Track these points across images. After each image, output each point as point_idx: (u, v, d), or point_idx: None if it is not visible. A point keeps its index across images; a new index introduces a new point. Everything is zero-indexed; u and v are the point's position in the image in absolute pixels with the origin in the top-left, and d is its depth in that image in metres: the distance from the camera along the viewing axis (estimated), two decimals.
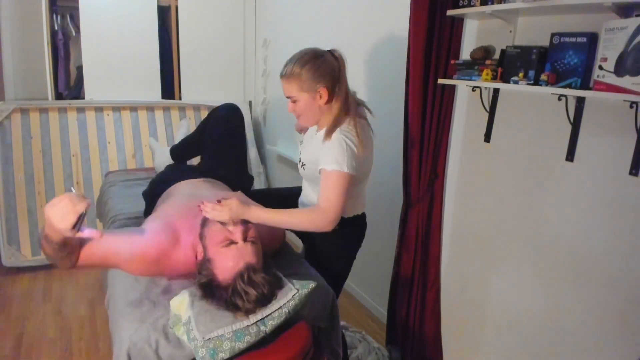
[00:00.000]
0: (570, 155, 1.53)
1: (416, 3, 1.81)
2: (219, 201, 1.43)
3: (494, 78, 1.63)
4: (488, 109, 1.81)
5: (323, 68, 1.52)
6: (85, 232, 1.19)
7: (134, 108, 3.56)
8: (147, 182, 2.19)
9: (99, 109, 3.43)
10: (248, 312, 1.27)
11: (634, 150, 1.33)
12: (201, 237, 1.41)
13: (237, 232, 1.36)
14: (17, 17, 3.38)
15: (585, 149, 1.49)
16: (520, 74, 1.52)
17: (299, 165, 1.71)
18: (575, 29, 1.42)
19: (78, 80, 3.65)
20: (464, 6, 1.71)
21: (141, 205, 2.06)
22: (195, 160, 3.26)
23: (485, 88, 1.79)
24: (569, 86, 1.40)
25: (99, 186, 2.93)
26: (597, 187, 1.47)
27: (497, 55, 1.70)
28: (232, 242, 1.34)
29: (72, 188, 1.37)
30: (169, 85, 3.80)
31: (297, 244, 2.05)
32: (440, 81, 1.86)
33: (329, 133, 1.53)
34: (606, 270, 1.47)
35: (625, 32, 1.22)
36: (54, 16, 3.47)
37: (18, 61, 3.41)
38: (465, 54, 1.87)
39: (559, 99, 1.50)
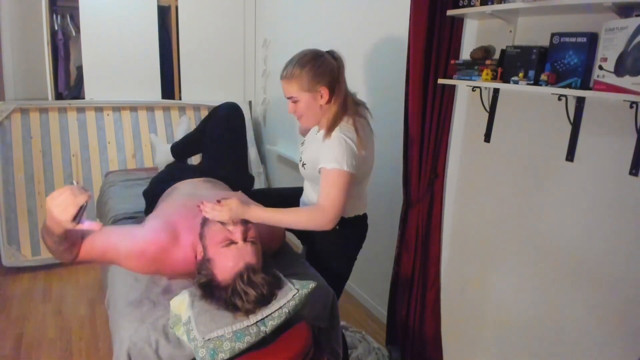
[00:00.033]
0: (570, 155, 1.53)
1: (416, 3, 1.81)
2: (218, 201, 1.43)
3: (494, 78, 1.63)
4: (488, 109, 1.81)
5: (323, 68, 1.53)
6: (85, 224, 1.20)
7: (134, 108, 3.56)
8: (147, 182, 2.19)
9: (99, 109, 3.43)
10: (247, 313, 1.27)
11: (634, 150, 1.33)
12: (201, 236, 1.41)
13: (237, 232, 1.36)
14: (17, 17, 3.38)
15: (585, 149, 1.49)
16: (520, 74, 1.52)
17: (300, 165, 1.71)
18: (575, 29, 1.42)
19: (78, 80, 3.65)
20: (464, 6, 1.71)
21: (141, 205, 2.06)
22: (195, 159, 3.27)
23: (485, 88, 1.79)
24: (569, 86, 1.40)
25: (99, 186, 2.93)
26: (597, 187, 1.47)
27: (497, 55, 1.70)
28: (232, 242, 1.34)
29: (73, 181, 1.38)
30: (169, 85, 3.80)
31: (297, 244, 2.05)
32: (440, 81, 1.86)
33: (328, 131, 1.54)
34: (606, 270, 1.47)
35: (625, 32, 1.22)
36: (54, 16, 3.47)
37: (18, 61, 3.41)
38: (465, 54, 1.87)
39: (559, 99, 1.50)
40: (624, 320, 1.43)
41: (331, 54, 1.59)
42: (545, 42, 1.50)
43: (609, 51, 1.27)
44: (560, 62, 1.44)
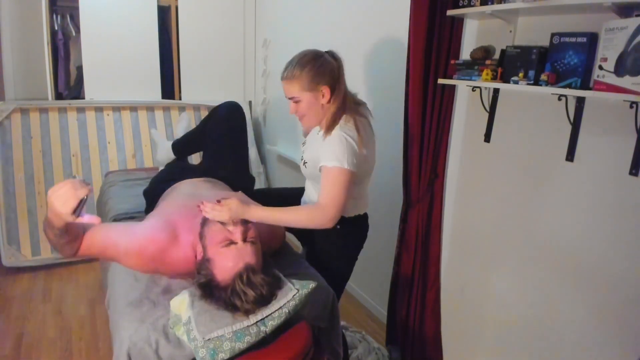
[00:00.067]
0: (570, 155, 1.53)
1: (416, 3, 1.81)
2: (218, 201, 1.43)
3: (494, 78, 1.63)
4: (488, 109, 1.81)
5: (324, 67, 1.54)
6: (85, 218, 1.21)
7: (134, 108, 3.56)
8: (147, 182, 2.19)
9: (99, 109, 3.43)
10: (247, 313, 1.27)
11: (634, 150, 1.33)
12: (201, 236, 1.41)
13: (236, 233, 1.36)
14: (17, 17, 3.38)
15: (585, 149, 1.49)
16: (520, 74, 1.52)
17: (301, 164, 1.72)
18: (575, 29, 1.42)
19: (78, 80, 3.65)
20: (464, 6, 1.71)
21: (141, 205, 2.06)
22: (196, 158, 3.27)
23: (485, 88, 1.79)
24: (569, 86, 1.40)
25: (99, 186, 2.93)
26: (597, 187, 1.47)
27: (497, 55, 1.70)
28: (232, 243, 1.34)
29: (75, 175, 1.40)
30: (169, 85, 3.80)
31: (297, 245, 2.05)
32: (440, 81, 1.86)
33: (328, 130, 1.55)
34: (606, 270, 1.47)
35: (625, 32, 1.22)
36: (54, 16, 3.47)
37: (18, 61, 3.41)
38: (465, 54, 1.87)
39: (559, 99, 1.50)
40: (624, 320, 1.43)
41: (331, 54, 1.60)
42: (545, 42, 1.50)
43: (609, 51, 1.27)
44: (560, 62, 1.44)
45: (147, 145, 3.53)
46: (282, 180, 3.79)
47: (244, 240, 1.35)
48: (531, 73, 1.49)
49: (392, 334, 2.26)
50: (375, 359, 2.13)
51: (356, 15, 2.59)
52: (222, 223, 1.39)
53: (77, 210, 1.17)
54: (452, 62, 1.82)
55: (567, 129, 1.51)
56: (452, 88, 1.91)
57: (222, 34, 3.85)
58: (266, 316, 1.29)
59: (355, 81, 2.21)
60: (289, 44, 3.40)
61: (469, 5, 1.69)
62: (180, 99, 3.80)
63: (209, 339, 1.22)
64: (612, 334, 1.47)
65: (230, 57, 3.94)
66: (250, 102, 4.06)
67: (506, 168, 1.78)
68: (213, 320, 1.25)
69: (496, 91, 1.78)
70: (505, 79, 1.60)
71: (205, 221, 1.43)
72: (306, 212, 1.55)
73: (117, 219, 2.08)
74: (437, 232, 2.06)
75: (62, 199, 1.15)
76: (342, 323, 2.17)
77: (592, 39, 1.37)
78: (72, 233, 1.30)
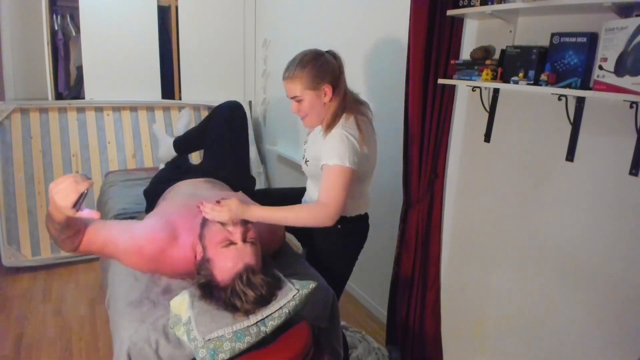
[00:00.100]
0: (570, 155, 1.53)
1: (416, 3, 1.81)
2: (218, 201, 1.43)
3: (494, 78, 1.63)
4: (488, 109, 1.81)
5: (325, 66, 1.55)
6: (85, 212, 1.22)
7: (134, 108, 3.56)
8: (147, 182, 2.19)
9: (99, 109, 3.43)
10: (247, 313, 1.27)
11: (634, 150, 1.33)
12: (201, 237, 1.41)
13: (236, 233, 1.36)
14: (17, 17, 3.38)
15: (585, 149, 1.49)
16: (520, 74, 1.52)
17: (303, 163, 1.72)
18: (575, 29, 1.42)
19: (78, 80, 3.65)
20: (464, 6, 1.71)
21: (141, 205, 2.06)
22: (196, 158, 3.27)
23: (485, 88, 1.79)
24: (569, 86, 1.40)
25: (99, 186, 2.93)
26: (597, 187, 1.47)
27: (497, 55, 1.70)
28: (232, 243, 1.34)
29: (77, 171, 1.40)
30: (169, 85, 3.80)
31: (297, 245, 2.05)
32: (440, 81, 1.86)
33: (328, 127, 1.56)
34: (606, 270, 1.47)
35: (625, 32, 1.22)
36: (54, 16, 3.47)
37: (18, 61, 3.41)
38: (465, 54, 1.87)
39: (559, 99, 1.50)
40: (624, 320, 1.43)
41: (331, 53, 1.61)
42: (545, 42, 1.50)
43: (609, 51, 1.27)
44: (560, 62, 1.44)
45: (147, 145, 3.53)
46: (282, 180, 3.79)
47: (244, 240, 1.35)
48: (531, 73, 1.49)
49: (392, 334, 2.26)
50: (375, 359, 2.13)
51: (356, 15, 2.59)
52: (222, 223, 1.39)
53: (77, 205, 1.18)
54: (452, 62, 1.82)
55: (567, 129, 1.51)
56: (452, 88, 1.91)
57: (222, 34, 3.85)
58: (266, 316, 1.29)
59: (355, 81, 2.21)
60: (289, 44, 3.40)
61: (469, 5, 1.69)
62: (180, 99, 3.80)
63: (209, 339, 1.22)
64: (612, 334, 1.47)
65: (230, 57, 3.94)
66: (250, 102, 4.06)
67: (506, 168, 1.79)
68: (213, 320, 1.25)
69: (496, 91, 1.78)
70: (505, 79, 1.60)
71: (205, 221, 1.43)
72: (306, 210, 1.55)
73: (117, 219, 2.07)
74: (437, 232, 2.06)
75: (63, 192, 1.16)
76: (342, 323, 2.17)
77: (592, 39, 1.37)
78: (73, 228, 1.31)
